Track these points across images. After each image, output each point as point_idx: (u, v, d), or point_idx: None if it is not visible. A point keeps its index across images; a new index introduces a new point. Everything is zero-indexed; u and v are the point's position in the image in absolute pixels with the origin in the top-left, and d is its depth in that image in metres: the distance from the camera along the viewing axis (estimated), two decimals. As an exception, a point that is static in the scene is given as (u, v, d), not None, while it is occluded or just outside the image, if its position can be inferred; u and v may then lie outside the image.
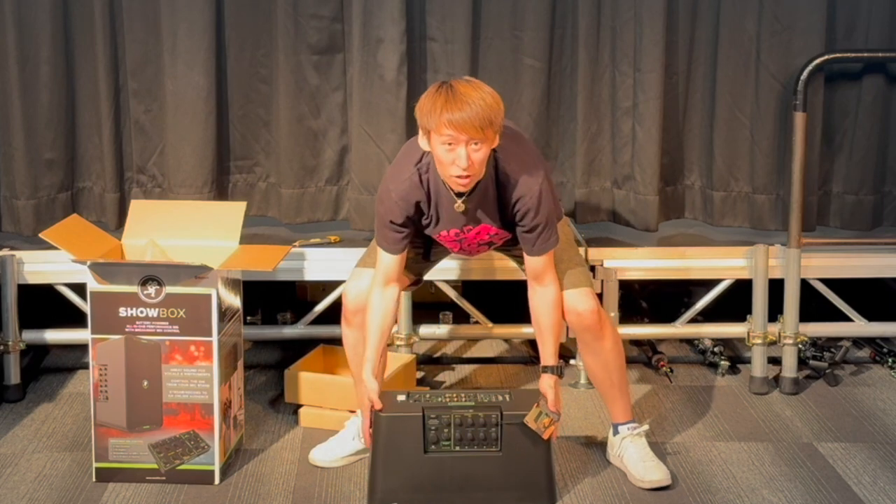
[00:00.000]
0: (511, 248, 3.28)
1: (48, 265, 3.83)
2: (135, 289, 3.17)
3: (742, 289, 3.95)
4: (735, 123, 3.98)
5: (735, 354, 4.14)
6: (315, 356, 3.79)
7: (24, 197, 3.95)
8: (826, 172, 4.05)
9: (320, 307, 3.99)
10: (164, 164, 4.00)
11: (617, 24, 3.91)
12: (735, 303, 3.99)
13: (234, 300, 3.36)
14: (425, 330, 3.99)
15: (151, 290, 3.16)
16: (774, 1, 3.88)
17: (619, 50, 3.92)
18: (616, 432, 3.31)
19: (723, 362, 4.00)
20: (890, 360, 4.06)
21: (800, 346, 3.90)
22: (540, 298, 3.13)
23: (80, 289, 3.73)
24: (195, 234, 3.46)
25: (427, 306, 4.10)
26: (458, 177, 2.90)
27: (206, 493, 3.18)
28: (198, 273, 3.15)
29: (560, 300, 3.14)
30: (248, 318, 4.10)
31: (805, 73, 3.80)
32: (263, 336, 4.09)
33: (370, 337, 3.12)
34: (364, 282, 3.21)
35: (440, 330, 4.02)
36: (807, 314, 3.92)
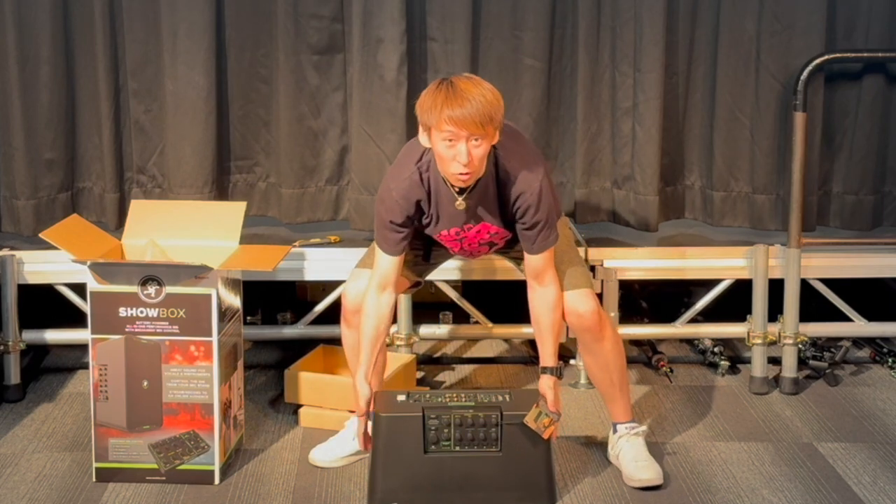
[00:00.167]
0: (510, 249, 3.28)
1: (48, 265, 3.83)
2: (135, 289, 3.17)
3: (742, 289, 3.95)
4: (735, 123, 3.98)
5: (735, 354, 4.14)
6: (315, 356, 3.79)
7: (24, 197, 3.95)
8: (826, 172, 4.05)
9: (320, 307, 3.99)
10: (164, 164, 4.00)
11: (617, 24, 3.91)
12: (735, 303, 3.99)
13: (234, 300, 3.36)
14: (425, 330, 3.99)
15: (151, 290, 3.16)
16: (774, 1, 3.88)
17: (619, 50, 3.92)
18: (615, 431, 3.31)
19: (723, 362, 4.00)
20: (890, 360, 4.06)
21: (800, 346, 3.90)
22: (540, 298, 3.13)
23: (80, 289, 3.73)
24: (195, 234, 3.46)
25: (427, 306, 4.10)
26: (459, 173, 2.91)
27: (206, 493, 3.18)
28: (198, 273, 3.15)
29: (560, 300, 3.14)
30: (248, 318, 4.10)
31: (805, 73, 3.80)
32: (263, 336, 4.09)
33: (363, 343, 3.12)
34: (363, 282, 3.21)
35: (440, 330, 4.02)
36: (807, 314, 3.92)
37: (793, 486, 3.20)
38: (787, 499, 3.13)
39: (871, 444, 3.47)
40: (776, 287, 3.89)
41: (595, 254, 3.86)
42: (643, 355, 4.13)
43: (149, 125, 3.99)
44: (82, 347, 3.84)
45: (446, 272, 3.82)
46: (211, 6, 3.87)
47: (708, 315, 4.08)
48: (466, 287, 4.20)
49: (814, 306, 4.00)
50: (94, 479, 3.23)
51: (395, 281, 3.14)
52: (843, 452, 3.41)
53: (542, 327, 3.14)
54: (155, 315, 3.17)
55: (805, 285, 3.92)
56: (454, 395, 3.14)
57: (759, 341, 3.88)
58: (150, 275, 3.16)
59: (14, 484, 3.22)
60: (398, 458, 3.06)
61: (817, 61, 3.82)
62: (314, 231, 4.06)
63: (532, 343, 3.94)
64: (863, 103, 3.97)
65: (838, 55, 3.89)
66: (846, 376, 4.01)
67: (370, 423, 3.09)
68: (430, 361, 4.19)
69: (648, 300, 4.46)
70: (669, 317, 4.08)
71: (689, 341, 4.27)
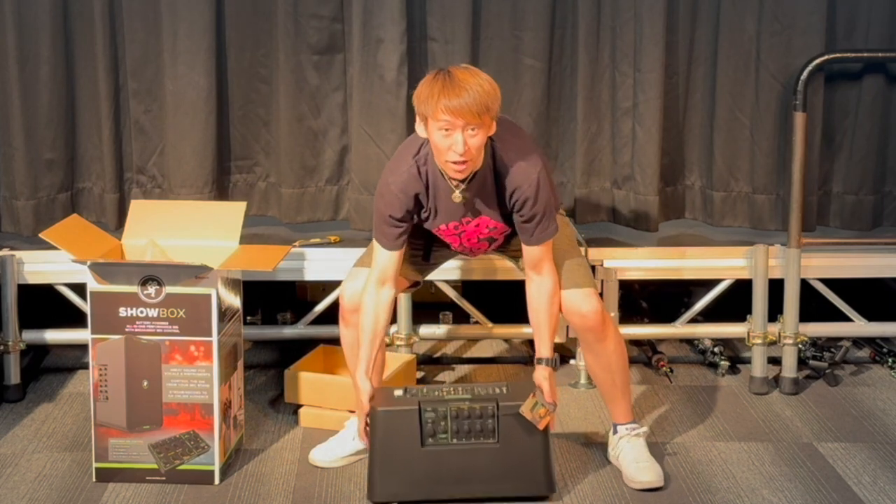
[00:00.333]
0: (508, 246, 3.28)
1: (48, 265, 3.83)
2: (135, 289, 3.17)
3: (742, 289, 3.95)
4: (735, 123, 3.98)
5: (735, 354, 4.13)
6: (315, 356, 3.79)
7: (24, 197, 3.95)
8: (826, 172, 4.05)
9: (320, 307, 3.99)
10: (163, 165, 4.00)
11: (617, 24, 3.91)
12: (735, 303, 3.99)
13: (234, 300, 3.36)
14: (425, 330, 3.99)
15: (151, 290, 3.16)
16: (774, 1, 3.88)
17: (619, 50, 3.92)
18: (615, 432, 3.31)
19: (723, 362, 3.99)
20: (890, 360, 4.06)
21: (800, 346, 3.90)
22: (537, 289, 3.13)
23: (80, 289, 3.73)
24: (195, 234, 3.46)
25: (427, 306, 4.10)
26: (455, 163, 2.91)
27: (206, 493, 3.18)
28: (198, 273, 3.15)
29: (557, 291, 3.13)
30: (248, 318, 4.10)
31: (805, 73, 3.80)
32: (263, 336, 4.09)
33: (363, 339, 3.13)
34: (361, 281, 3.21)
35: (440, 330, 4.02)
36: (807, 314, 3.92)
37: (793, 486, 3.20)
38: (787, 499, 3.13)
39: (871, 444, 3.47)
40: (776, 287, 3.89)
41: (595, 254, 3.86)
42: (643, 355, 4.13)
43: (149, 125, 3.99)
44: (82, 347, 3.84)
45: (446, 272, 3.82)
46: (211, 6, 3.87)
47: (708, 315, 4.08)
48: (466, 287, 4.20)
49: (814, 306, 4.00)
50: (94, 479, 3.23)
51: (395, 276, 3.14)
52: (843, 452, 3.41)
53: (538, 318, 3.14)
54: (155, 315, 3.17)
55: (805, 285, 3.92)
56: (451, 388, 3.14)
57: (759, 341, 3.88)
58: (150, 275, 3.16)
59: (14, 484, 3.22)
60: (396, 453, 3.06)
61: (817, 61, 3.82)
62: (314, 231, 4.06)
63: (532, 343, 3.94)
64: (863, 103, 3.97)
65: (838, 55, 3.89)
66: (846, 376, 4.01)
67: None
68: (430, 361, 4.19)
69: (648, 300, 4.46)
70: (669, 317, 4.08)
71: (689, 341, 4.27)
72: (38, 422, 3.64)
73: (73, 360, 4.13)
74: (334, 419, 3.49)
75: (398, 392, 3.14)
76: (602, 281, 3.82)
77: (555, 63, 3.98)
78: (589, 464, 3.33)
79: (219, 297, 3.17)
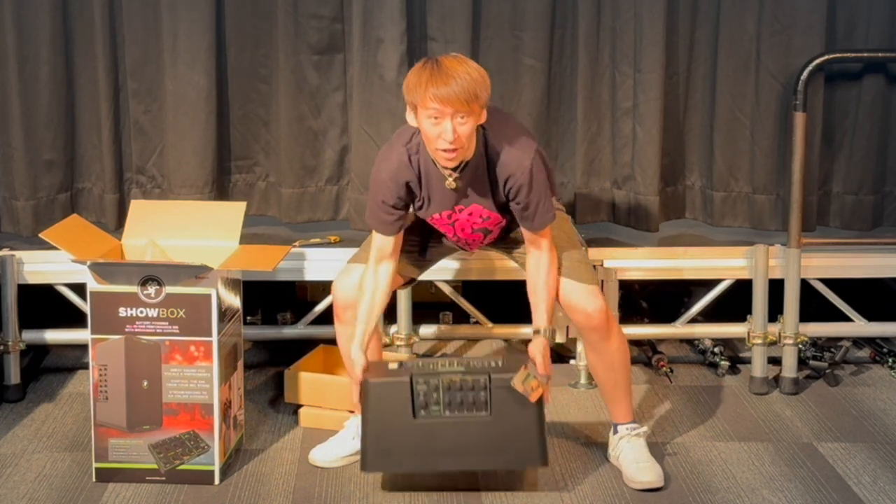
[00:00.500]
0: (505, 242, 3.28)
1: (48, 265, 3.83)
2: (135, 289, 3.17)
3: (742, 289, 3.95)
4: (735, 123, 3.98)
5: (735, 354, 4.13)
6: (315, 356, 3.79)
7: (24, 198, 3.94)
8: (826, 172, 4.05)
9: (320, 307, 3.99)
10: (163, 165, 4.00)
11: (617, 24, 3.91)
12: (735, 303, 3.99)
13: (234, 300, 3.36)
14: (425, 330, 3.99)
15: (151, 290, 3.16)
16: (774, 1, 3.88)
17: (619, 50, 3.92)
18: (616, 432, 3.31)
19: (723, 362, 3.99)
20: (890, 360, 4.06)
21: (800, 346, 3.90)
22: (535, 262, 3.13)
23: (80, 289, 3.73)
24: (195, 234, 3.46)
25: (427, 306, 4.10)
26: (445, 150, 2.92)
27: (206, 493, 3.18)
28: (198, 273, 3.15)
29: (555, 264, 3.13)
30: (248, 318, 4.10)
31: (805, 73, 3.80)
32: (263, 336, 4.09)
33: (360, 311, 3.14)
34: (354, 277, 3.22)
35: (440, 330, 4.02)
36: (807, 314, 3.92)
37: (793, 486, 3.20)
38: (787, 499, 3.13)
39: (871, 444, 3.47)
40: (776, 287, 3.89)
41: (595, 254, 3.85)
42: (643, 355, 4.13)
43: (148, 125, 3.99)
44: (82, 347, 3.84)
45: (446, 272, 3.83)
46: (211, 6, 3.87)
47: (708, 315, 4.08)
48: (466, 287, 4.20)
49: (814, 306, 4.00)
50: (94, 479, 3.23)
51: (393, 254, 3.15)
52: (843, 452, 3.41)
53: (536, 288, 3.13)
54: (155, 315, 3.17)
55: (805, 285, 3.92)
56: (445, 361, 3.15)
57: (760, 341, 3.88)
58: (150, 275, 3.16)
59: (14, 484, 3.22)
60: (388, 424, 3.06)
61: (817, 61, 3.82)
62: (314, 231, 4.06)
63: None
64: (863, 103, 3.97)
65: (838, 55, 3.89)
66: (846, 376, 4.01)
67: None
68: (430, 361, 4.19)
69: (648, 300, 4.46)
70: (669, 317, 4.08)
71: (689, 341, 4.27)
72: (38, 422, 3.64)
73: (73, 360, 4.13)
74: (334, 419, 3.49)
75: (392, 365, 3.16)
76: (602, 281, 3.82)
77: (555, 63, 3.98)
78: (589, 464, 3.33)
79: (219, 297, 3.17)
